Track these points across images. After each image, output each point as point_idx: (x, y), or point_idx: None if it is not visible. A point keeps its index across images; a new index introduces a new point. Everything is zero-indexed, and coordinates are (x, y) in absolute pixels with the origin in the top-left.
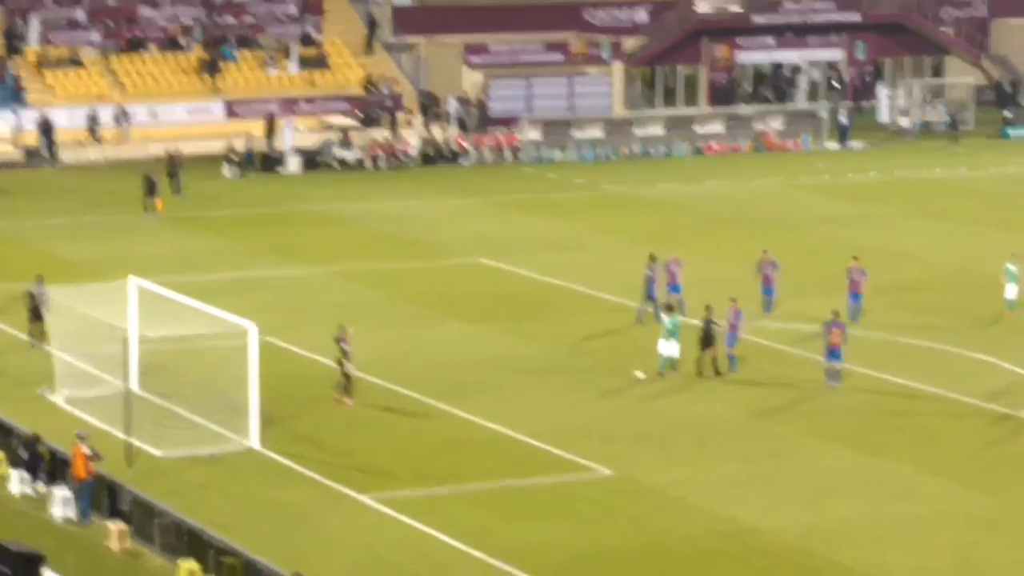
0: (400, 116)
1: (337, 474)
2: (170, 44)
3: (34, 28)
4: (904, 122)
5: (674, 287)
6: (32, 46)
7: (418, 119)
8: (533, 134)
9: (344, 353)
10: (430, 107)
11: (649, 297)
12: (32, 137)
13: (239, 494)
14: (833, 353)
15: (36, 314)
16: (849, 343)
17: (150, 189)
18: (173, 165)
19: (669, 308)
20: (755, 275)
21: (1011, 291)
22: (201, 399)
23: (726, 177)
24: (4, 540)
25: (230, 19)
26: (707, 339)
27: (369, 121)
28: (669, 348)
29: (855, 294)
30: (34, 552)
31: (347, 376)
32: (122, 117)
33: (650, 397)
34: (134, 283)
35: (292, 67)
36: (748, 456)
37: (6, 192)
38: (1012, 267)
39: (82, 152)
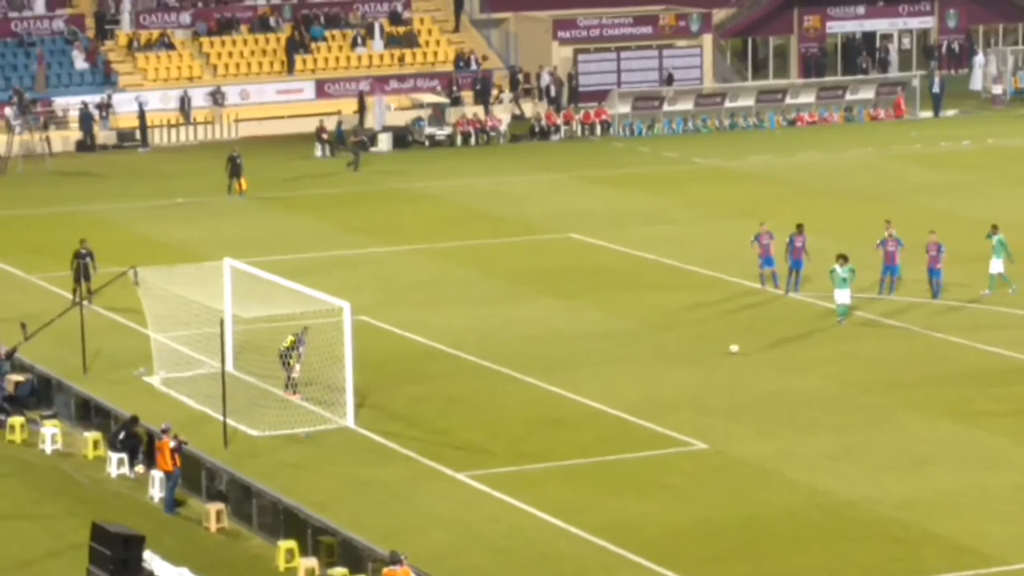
0: (491, 93)
1: (432, 452)
2: (260, 25)
3: (125, 11)
4: (997, 89)
5: (767, 260)
6: (124, 29)
7: (508, 95)
8: (623, 108)
9: (299, 355)
10: (520, 83)
11: (793, 265)
12: (124, 120)
13: (334, 473)
14: None
15: (81, 275)
16: (943, 314)
17: (234, 171)
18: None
19: (843, 258)
20: (875, 251)
21: None
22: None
23: (818, 148)
24: (103, 522)
25: None
26: None
27: (459, 98)
28: (843, 296)
29: (934, 270)
30: (134, 533)
31: (293, 377)
32: (219, 96)
33: (742, 370)
34: (228, 264)
35: (377, 45)
36: (842, 428)
37: (99, 175)
38: None
39: (173, 134)
